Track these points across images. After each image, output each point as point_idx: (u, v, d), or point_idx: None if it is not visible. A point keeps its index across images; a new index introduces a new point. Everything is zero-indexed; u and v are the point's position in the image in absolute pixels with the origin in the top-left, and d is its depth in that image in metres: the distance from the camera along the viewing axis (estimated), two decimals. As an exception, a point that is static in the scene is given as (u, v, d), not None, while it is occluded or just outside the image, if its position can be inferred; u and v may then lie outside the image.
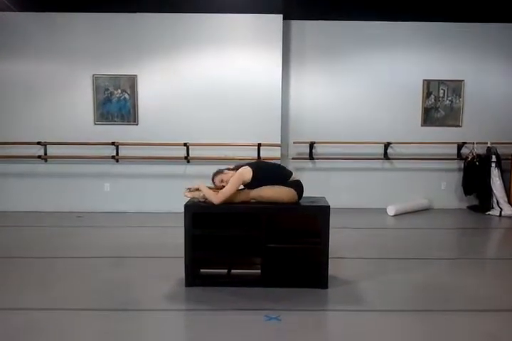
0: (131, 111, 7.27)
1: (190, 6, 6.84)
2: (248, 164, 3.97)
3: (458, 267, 4.59)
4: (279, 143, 7.28)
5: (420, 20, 7.35)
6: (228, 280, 3.98)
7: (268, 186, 3.84)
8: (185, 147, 7.19)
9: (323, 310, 3.54)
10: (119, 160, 7.32)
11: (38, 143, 7.19)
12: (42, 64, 7.22)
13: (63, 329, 3.11)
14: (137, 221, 6.70)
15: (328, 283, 3.85)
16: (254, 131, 7.22)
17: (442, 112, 7.63)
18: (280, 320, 3.22)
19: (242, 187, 3.91)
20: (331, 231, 3.83)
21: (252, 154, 7.12)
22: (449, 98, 7.60)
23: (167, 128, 7.25)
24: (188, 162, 7.27)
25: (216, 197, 3.74)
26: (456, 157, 7.61)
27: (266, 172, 3.95)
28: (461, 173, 7.60)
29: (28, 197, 7.34)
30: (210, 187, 3.89)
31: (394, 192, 7.60)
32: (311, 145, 7.50)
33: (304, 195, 3.98)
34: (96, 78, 7.22)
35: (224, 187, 3.80)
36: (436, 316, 3.33)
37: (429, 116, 7.63)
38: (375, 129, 7.56)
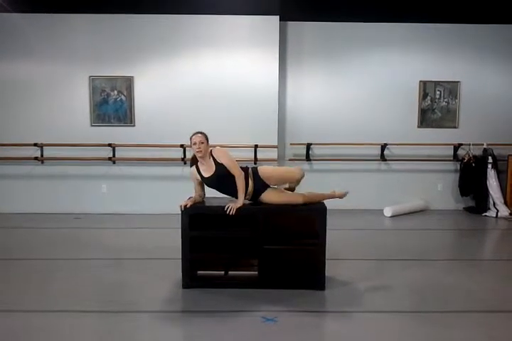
0: (128, 112, 7.27)
1: (186, 8, 6.84)
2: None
3: (455, 268, 4.59)
4: (276, 144, 7.28)
5: (416, 21, 7.36)
6: (225, 281, 3.97)
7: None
8: (182, 148, 7.19)
9: (320, 311, 3.54)
10: (116, 161, 7.31)
11: (35, 144, 7.18)
12: (39, 65, 7.20)
13: (61, 331, 3.11)
14: (134, 222, 6.69)
15: (325, 284, 3.85)
16: (251, 133, 7.22)
17: (439, 113, 7.65)
18: (277, 321, 3.22)
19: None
20: (328, 232, 3.83)
21: (249, 155, 7.12)
22: (446, 99, 7.62)
23: (164, 130, 7.24)
24: (185, 163, 7.25)
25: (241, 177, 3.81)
26: (452, 158, 7.63)
27: None
28: (458, 174, 7.61)
29: (25, 199, 7.31)
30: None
31: (390, 194, 7.61)
32: (308, 146, 7.50)
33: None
34: (93, 79, 7.21)
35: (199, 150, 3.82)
36: (434, 317, 3.34)
37: (426, 118, 7.65)
38: (371, 131, 7.56)
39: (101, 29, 7.16)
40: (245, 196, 3.85)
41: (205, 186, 4.01)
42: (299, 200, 3.88)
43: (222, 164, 3.83)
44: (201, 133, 3.92)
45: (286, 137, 7.60)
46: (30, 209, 7.24)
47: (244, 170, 3.89)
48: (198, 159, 3.90)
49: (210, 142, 3.96)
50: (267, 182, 3.89)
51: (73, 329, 3.14)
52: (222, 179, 3.84)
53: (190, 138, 3.88)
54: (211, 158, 3.88)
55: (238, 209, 3.74)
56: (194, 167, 3.97)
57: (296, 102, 7.60)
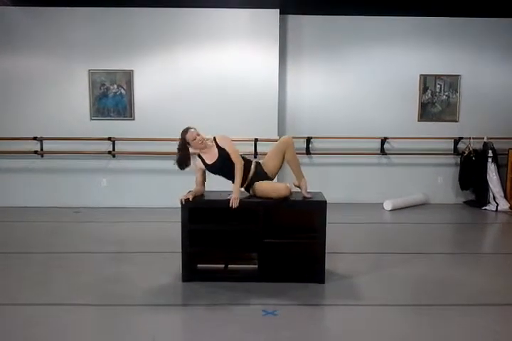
0: (128, 106, 7.25)
1: (186, 1, 6.81)
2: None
3: (455, 262, 4.60)
4: (276, 138, 7.26)
5: (417, 15, 7.33)
6: (225, 275, 3.98)
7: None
8: (181, 142, 7.17)
9: (320, 304, 3.55)
10: (116, 155, 7.30)
11: (34, 138, 7.17)
12: (38, 59, 7.18)
13: (61, 324, 3.11)
14: (134, 216, 6.70)
15: (325, 277, 3.86)
16: (251, 126, 7.20)
17: (439, 107, 7.63)
18: (277, 314, 3.23)
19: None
20: (328, 226, 3.84)
21: (249, 149, 7.11)
22: (446, 93, 7.60)
23: (163, 124, 7.21)
24: (185, 157, 7.25)
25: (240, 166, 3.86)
26: (452, 152, 7.62)
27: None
28: (458, 168, 7.61)
29: (25, 193, 7.31)
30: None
31: (391, 187, 7.61)
32: (308, 140, 7.49)
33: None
34: (92, 73, 7.18)
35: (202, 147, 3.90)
36: (434, 310, 3.34)
37: (426, 111, 7.63)
38: (372, 124, 7.55)
39: (100, 22, 7.12)
40: (243, 183, 3.90)
41: (210, 175, 4.05)
42: (287, 192, 3.85)
43: (224, 149, 3.91)
44: (188, 127, 3.93)
45: (286, 131, 7.58)
46: (29, 202, 7.25)
47: (246, 160, 3.96)
48: (201, 151, 3.96)
49: (208, 135, 4.02)
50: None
51: (73, 322, 3.15)
52: (225, 163, 3.90)
53: (185, 137, 3.88)
54: (214, 145, 3.95)
55: (240, 201, 3.76)
56: (198, 158, 4.01)
57: (296, 96, 7.58)
